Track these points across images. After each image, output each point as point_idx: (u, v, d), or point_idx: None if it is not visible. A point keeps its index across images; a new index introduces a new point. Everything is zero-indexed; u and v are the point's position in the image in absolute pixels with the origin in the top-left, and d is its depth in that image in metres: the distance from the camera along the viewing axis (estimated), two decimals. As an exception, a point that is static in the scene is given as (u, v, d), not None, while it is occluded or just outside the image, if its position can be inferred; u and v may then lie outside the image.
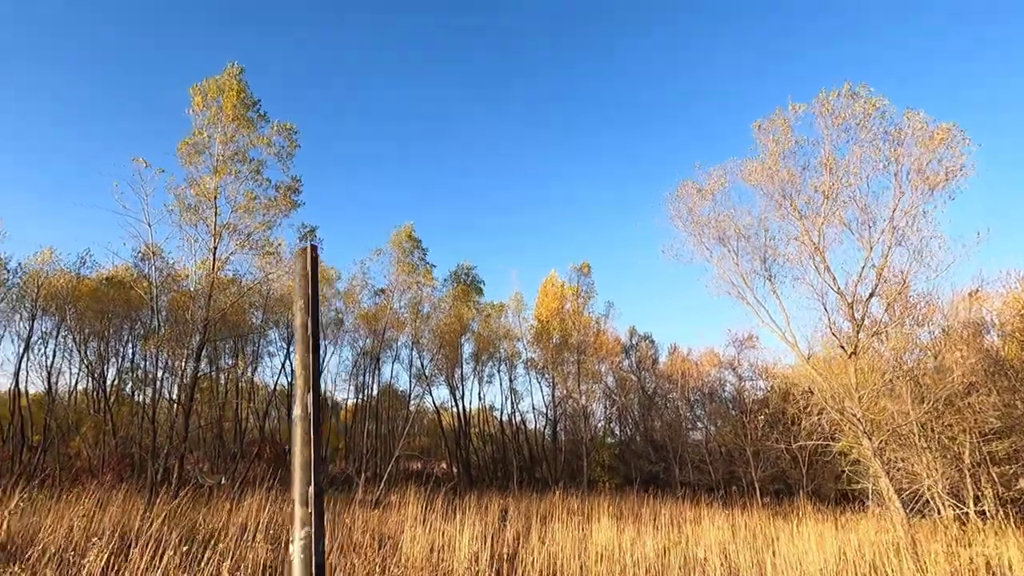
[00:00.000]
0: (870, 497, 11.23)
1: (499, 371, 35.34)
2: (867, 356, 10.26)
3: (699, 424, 33.74)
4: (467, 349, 33.71)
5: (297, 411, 1.56)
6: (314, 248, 1.69)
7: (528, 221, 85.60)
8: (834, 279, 10.20)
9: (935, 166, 9.47)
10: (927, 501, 12.51)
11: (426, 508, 15.84)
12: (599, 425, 36.49)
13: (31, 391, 21.54)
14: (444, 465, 41.18)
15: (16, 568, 5.38)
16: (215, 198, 13.45)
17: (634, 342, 39.40)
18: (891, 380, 9.90)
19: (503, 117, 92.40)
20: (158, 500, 11.83)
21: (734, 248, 11.27)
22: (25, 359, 19.80)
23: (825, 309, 10.20)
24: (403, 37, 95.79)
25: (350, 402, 32.56)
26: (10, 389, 20.15)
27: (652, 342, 40.79)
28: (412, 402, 28.09)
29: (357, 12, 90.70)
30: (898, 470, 10.54)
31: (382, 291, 26.37)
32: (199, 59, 75.97)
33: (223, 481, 15.94)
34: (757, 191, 11.19)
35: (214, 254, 13.33)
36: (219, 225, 13.38)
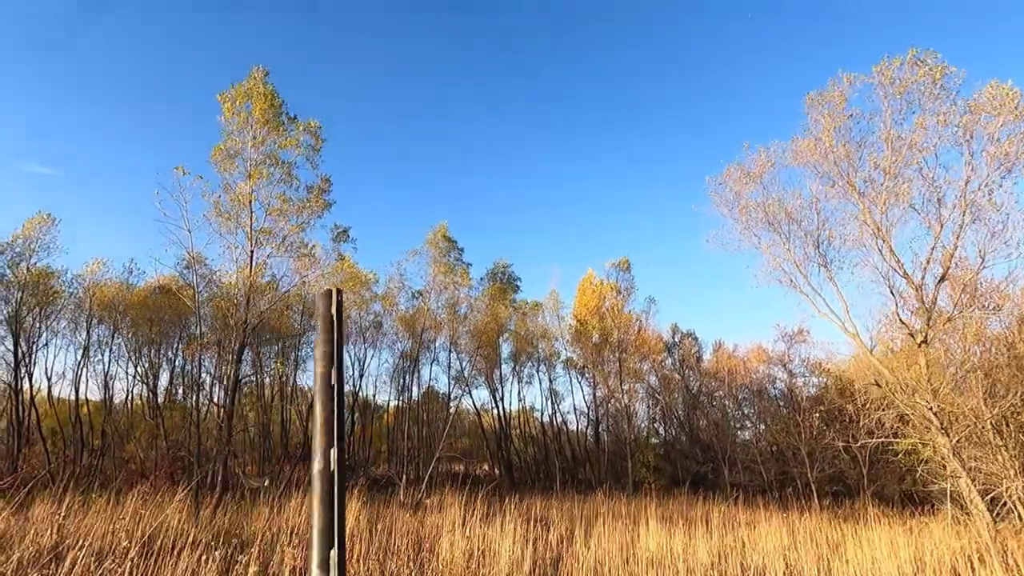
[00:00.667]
0: (947, 499, 10.28)
1: (538, 371, 34.99)
2: (938, 346, 9.40)
3: (748, 423, 32.47)
4: (505, 350, 33.49)
5: (317, 466, 1.42)
6: (339, 293, 1.55)
7: (531, 221, 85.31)
8: (899, 262, 9.39)
9: (1014, 136, 8.57)
10: (1005, 504, 11.43)
11: (467, 510, 15.59)
12: (642, 425, 35.65)
13: (91, 398, 22.53)
14: (486, 467, 41.09)
15: (54, 567, 5.35)
16: (250, 203, 13.59)
17: (676, 340, 38.40)
18: (969, 371, 9.01)
19: (503, 117, 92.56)
20: (204, 503, 11.99)
21: (785, 233, 10.56)
22: (84, 367, 20.67)
23: (892, 294, 9.38)
24: (402, 38, 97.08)
25: (391, 404, 32.79)
26: (70, 396, 21.06)
27: (695, 339, 39.68)
28: (452, 404, 27.98)
29: (355, 13, 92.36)
30: (970, 470, 9.59)
31: (420, 293, 26.48)
32: (199, 58, 78.67)
33: (267, 483, 16.11)
34: (808, 172, 10.46)
35: (251, 258, 13.46)
36: (255, 229, 13.51)
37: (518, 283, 31.48)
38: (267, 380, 25.76)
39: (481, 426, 37.87)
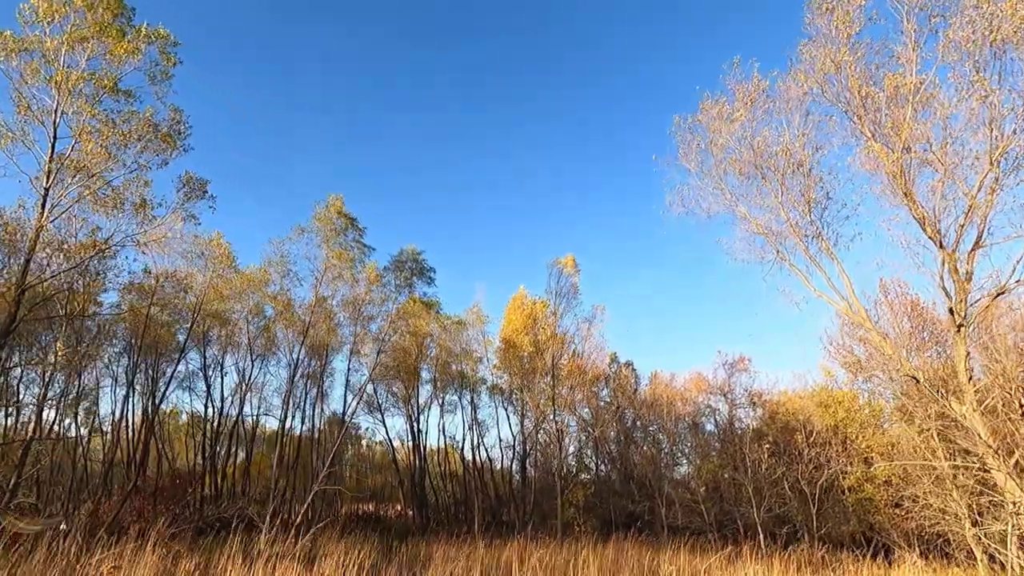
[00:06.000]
0: (997, 543, 7.75)
1: (461, 398, 31.38)
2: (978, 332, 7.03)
3: (685, 459, 30.15)
4: (425, 375, 29.73)
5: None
6: None
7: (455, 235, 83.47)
8: (925, 219, 7.03)
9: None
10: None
11: (345, 562, 11.81)
12: (572, 462, 32.55)
13: None
14: (399, 507, 36.57)
15: None
16: (54, 123, 9.70)
17: (613, 370, 36.01)
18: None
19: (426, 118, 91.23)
20: None
21: (775, 186, 8.02)
22: None
23: (936, 255, 6.85)
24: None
25: (284, 429, 27.91)
26: None
27: (633, 369, 37.55)
28: (347, 421, 23.74)
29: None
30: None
31: (324, 299, 22.42)
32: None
33: (62, 526, 11.56)
34: (798, 113, 8.07)
35: (44, 199, 9.48)
36: (56, 155, 9.60)
37: (432, 274, 27.31)
38: (117, 392, 20.68)
39: (395, 460, 33.57)
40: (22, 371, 20.78)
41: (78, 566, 9.39)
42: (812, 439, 21.52)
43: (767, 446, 19.91)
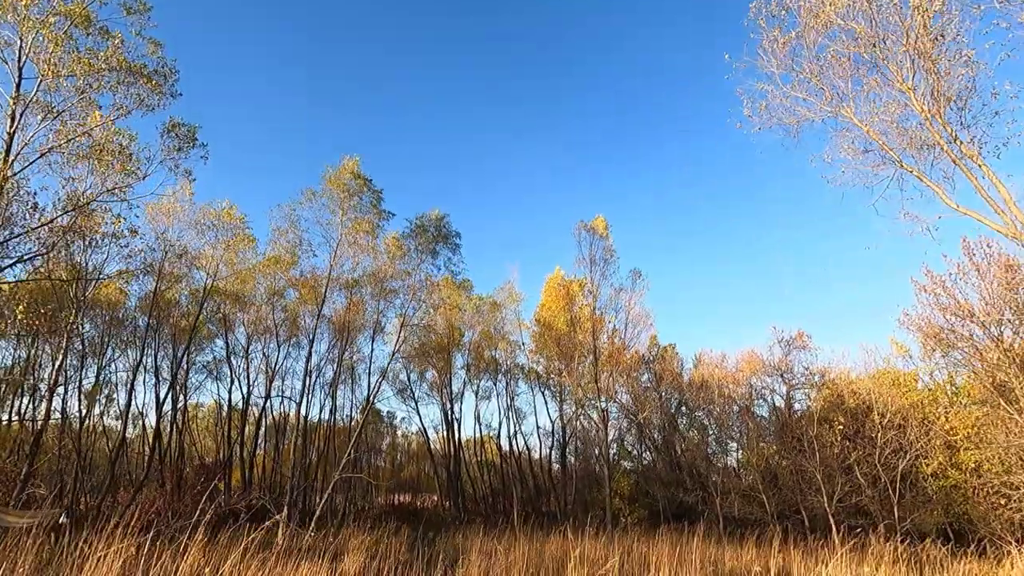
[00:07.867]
0: None
1: (496, 383, 29.94)
2: None
3: (738, 444, 27.95)
4: (459, 361, 28.37)
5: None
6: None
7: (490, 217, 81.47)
8: None
9: None
10: None
11: (368, 556, 10.46)
12: (613, 449, 30.74)
13: None
14: (435, 497, 35.67)
15: None
16: (19, 61, 8.45)
17: (654, 353, 34.00)
18: None
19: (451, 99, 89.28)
20: None
21: (904, 71, 5.96)
22: None
23: None
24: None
25: (314, 419, 26.99)
26: None
27: (676, 352, 35.46)
28: (387, 413, 22.59)
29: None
30: None
31: (355, 283, 21.21)
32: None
33: (62, 519, 10.52)
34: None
35: (9, 145, 8.25)
36: (19, 100, 8.34)
37: (457, 240, 23.18)
38: (139, 380, 19.92)
39: (430, 450, 32.50)
40: (55, 362, 20.29)
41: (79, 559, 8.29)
42: (886, 421, 19.23)
43: (839, 427, 17.70)
